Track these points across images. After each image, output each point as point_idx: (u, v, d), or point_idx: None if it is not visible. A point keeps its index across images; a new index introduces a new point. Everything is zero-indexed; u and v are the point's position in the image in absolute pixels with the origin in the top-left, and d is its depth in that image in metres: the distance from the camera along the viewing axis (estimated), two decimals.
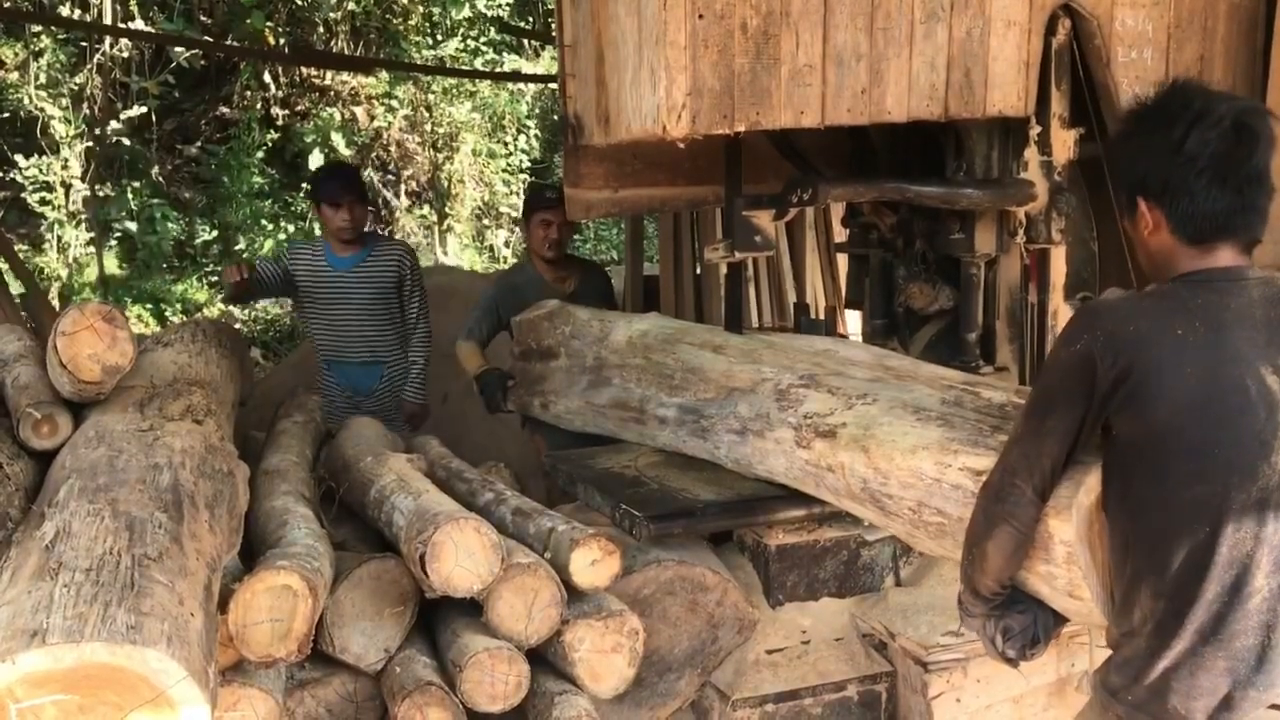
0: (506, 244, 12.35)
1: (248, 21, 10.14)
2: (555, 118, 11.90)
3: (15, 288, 6.53)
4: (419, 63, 11.50)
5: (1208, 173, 1.74)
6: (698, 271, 6.18)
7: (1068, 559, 1.88)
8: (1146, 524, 1.73)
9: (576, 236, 12.66)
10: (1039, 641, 1.98)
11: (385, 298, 4.57)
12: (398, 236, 11.84)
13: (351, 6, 11.25)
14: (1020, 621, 1.96)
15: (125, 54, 10.16)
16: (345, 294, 4.54)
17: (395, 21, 11.59)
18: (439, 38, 11.81)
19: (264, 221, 10.76)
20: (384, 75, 11.63)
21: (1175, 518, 1.68)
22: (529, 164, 12.54)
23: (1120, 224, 2.01)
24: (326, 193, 4.49)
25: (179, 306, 9.88)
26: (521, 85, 12.31)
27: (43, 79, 9.95)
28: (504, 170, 12.31)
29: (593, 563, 2.53)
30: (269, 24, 10.44)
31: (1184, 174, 1.75)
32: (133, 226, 10.09)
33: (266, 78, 11.12)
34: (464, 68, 11.53)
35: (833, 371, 2.81)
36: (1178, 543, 1.68)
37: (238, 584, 2.20)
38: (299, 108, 11.41)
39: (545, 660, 2.54)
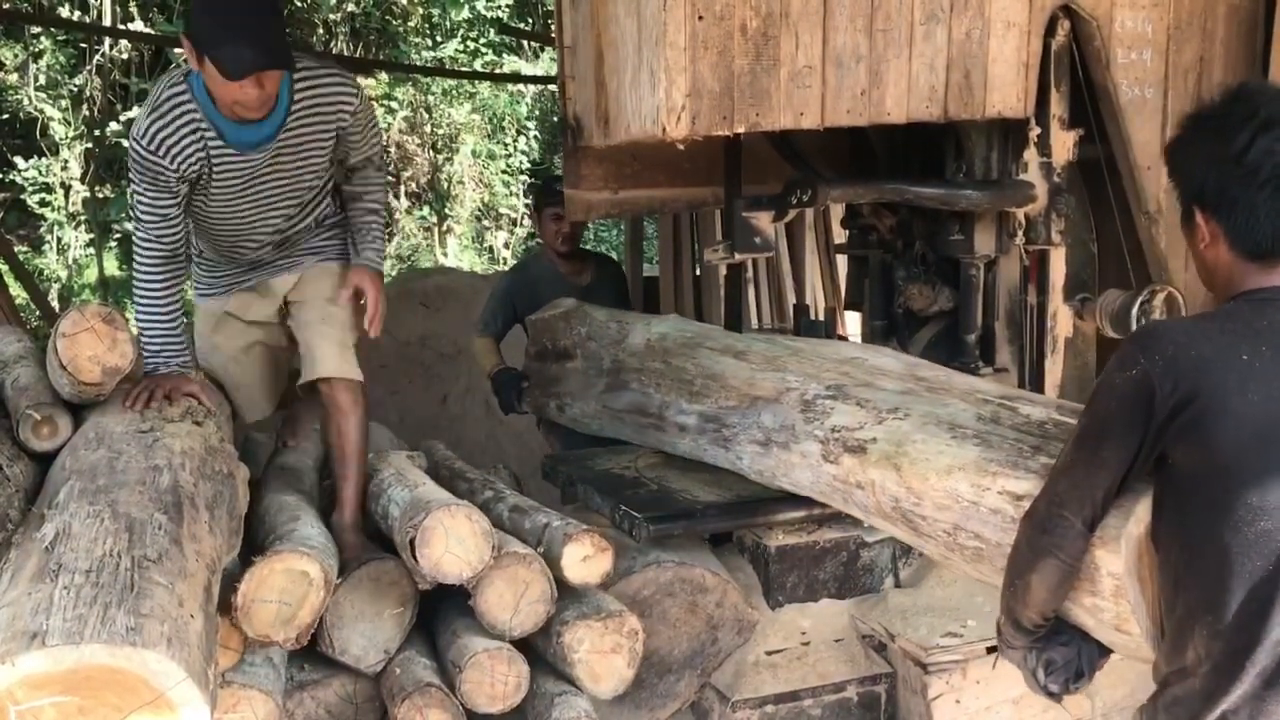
0: (506, 245, 12.35)
1: None
2: (555, 119, 11.90)
3: (15, 289, 6.53)
4: (418, 64, 11.50)
5: (1270, 185, 1.63)
6: (697, 273, 6.18)
7: (1116, 592, 1.81)
8: (1203, 559, 1.62)
9: None
10: (1083, 675, 1.89)
11: (317, 170, 2.82)
12: (396, 238, 11.86)
13: (351, 8, 11.26)
14: (1063, 654, 1.88)
15: (124, 55, 10.17)
16: (254, 188, 2.73)
17: (395, 23, 11.59)
18: (438, 39, 11.82)
19: None
20: (383, 76, 11.63)
21: (1236, 554, 1.57)
22: (529, 165, 12.55)
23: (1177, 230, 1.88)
24: (229, 60, 2.43)
25: None
26: (521, 86, 12.32)
27: (42, 80, 9.96)
28: (504, 171, 12.32)
29: (585, 559, 2.53)
30: None
31: (1244, 186, 1.64)
32: (132, 227, 10.09)
33: None
34: (463, 69, 11.54)
35: (861, 382, 2.69)
36: (1238, 580, 1.57)
37: (257, 557, 2.21)
38: None
39: (545, 661, 2.54)
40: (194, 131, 2.58)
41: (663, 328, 3.45)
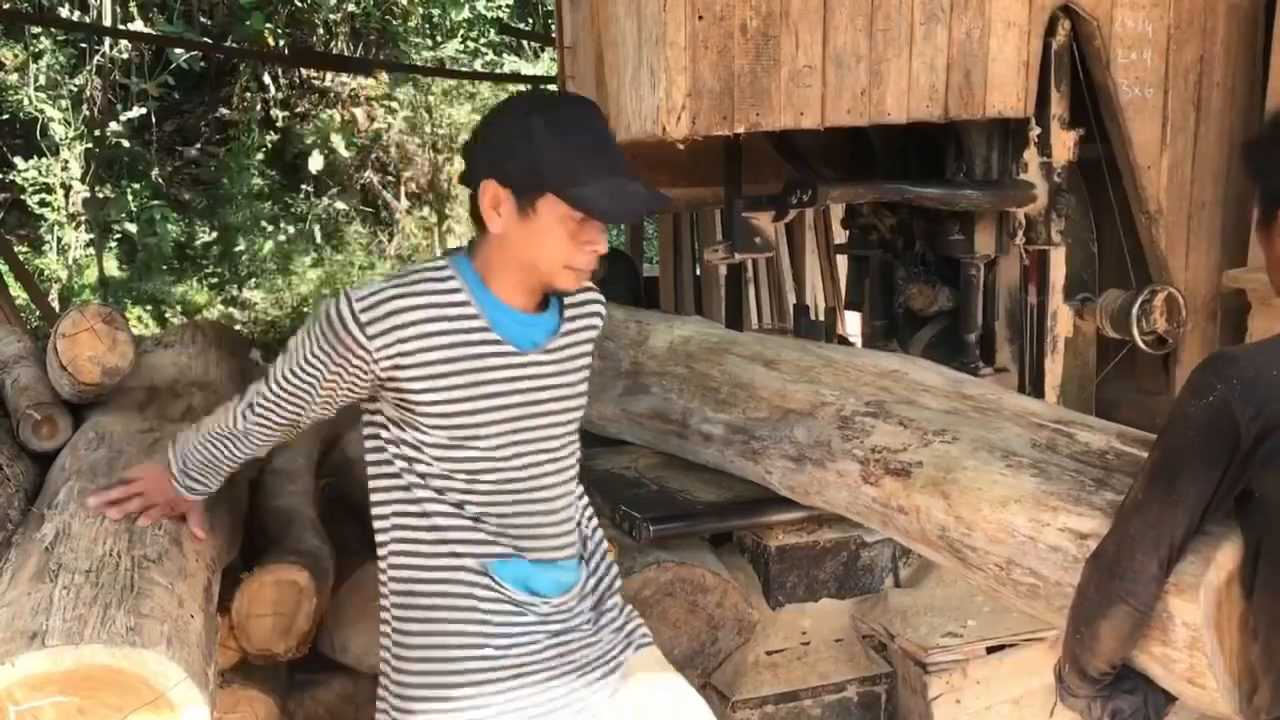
0: None
1: (247, 23, 10.14)
2: None
3: (15, 290, 6.53)
4: (419, 64, 11.50)
5: None
6: (697, 272, 6.18)
7: (1191, 643, 1.67)
8: None
9: None
10: None
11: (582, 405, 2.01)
12: (397, 239, 11.86)
13: (351, 8, 11.26)
14: (1130, 703, 1.75)
15: (125, 55, 10.17)
16: (528, 402, 1.88)
17: (395, 23, 11.59)
18: (439, 39, 11.81)
19: (264, 223, 10.77)
20: (384, 77, 11.63)
21: None
22: None
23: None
24: (611, 196, 1.82)
25: (179, 308, 9.88)
26: (521, 86, 12.32)
27: (42, 80, 9.96)
28: None
29: None
30: (269, 25, 10.44)
31: None
32: (132, 228, 10.10)
33: (266, 79, 11.13)
34: (464, 69, 11.54)
35: (902, 399, 2.55)
36: None
37: (245, 574, 2.20)
38: (299, 109, 11.41)
39: None
40: (443, 309, 1.78)
41: (686, 330, 3.33)
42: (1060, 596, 1.86)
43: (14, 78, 10.08)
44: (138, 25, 9.97)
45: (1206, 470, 1.55)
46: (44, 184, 9.80)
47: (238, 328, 8.96)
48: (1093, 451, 2.06)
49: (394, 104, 11.73)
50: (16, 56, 10.00)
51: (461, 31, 11.77)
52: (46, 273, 9.68)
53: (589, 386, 2.00)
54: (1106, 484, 1.95)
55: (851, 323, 5.50)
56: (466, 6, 11.45)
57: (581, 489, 2.02)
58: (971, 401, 2.47)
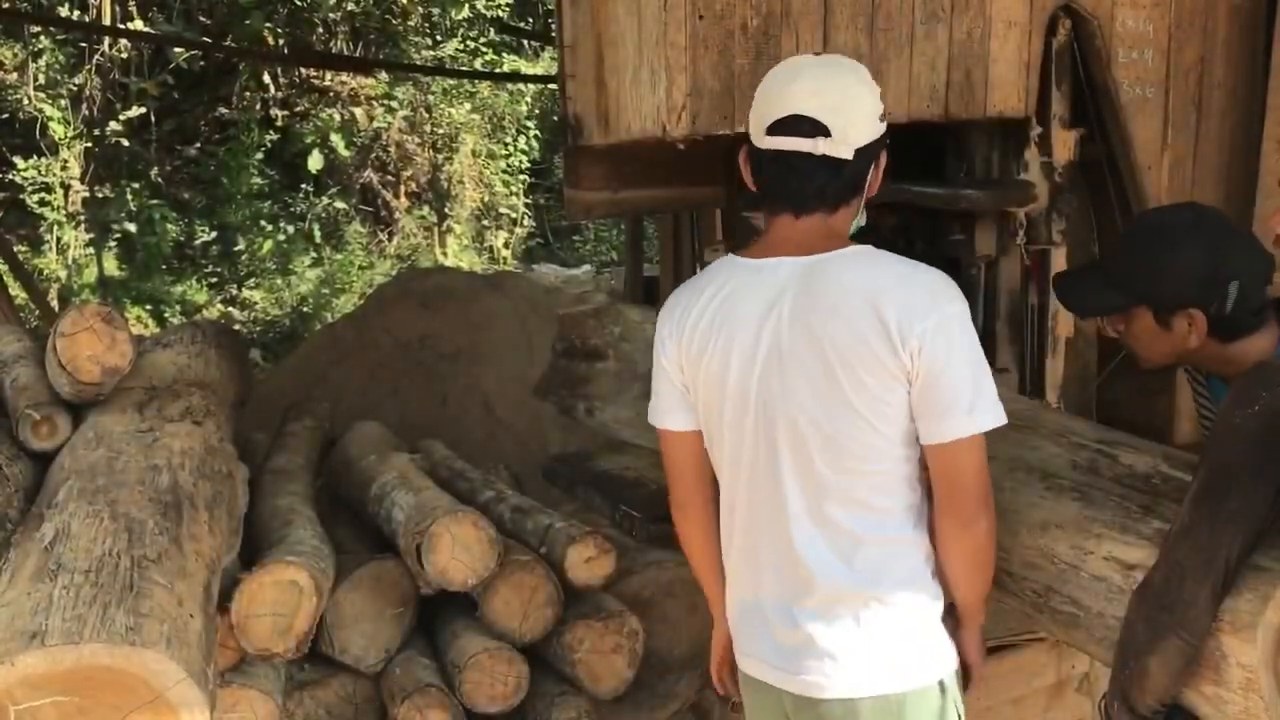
0: (506, 245, 12.35)
1: (247, 22, 10.14)
2: (555, 118, 11.91)
3: (15, 289, 6.53)
4: (418, 63, 11.50)
5: None
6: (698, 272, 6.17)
7: (1246, 685, 1.58)
8: None
9: (575, 237, 12.65)
10: None
11: None
12: (396, 238, 11.86)
13: (351, 7, 11.26)
14: None
15: (124, 55, 10.16)
16: None
17: (395, 22, 11.59)
18: (438, 38, 11.82)
19: (263, 222, 10.77)
20: (383, 76, 11.63)
21: None
22: (529, 165, 12.55)
23: None
24: None
25: (178, 307, 9.88)
26: (521, 86, 12.32)
27: (41, 80, 9.96)
28: (504, 171, 12.32)
29: (588, 560, 2.53)
30: (268, 25, 10.44)
31: None
32: (132, 227, 10.09)
33: (266, 78, 11.12)
34: (463, 68, 11.54)
35: None
36: None
37: (244, 574, 2.20)
38: (298, 108, 11.41)
39: (545, 661, 2.53)
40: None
41: None
42: (1102, 628, 1.78)
43: (13, 77, 10.08)
44: (137, 24, 9.96)
45: (1257, 485, 1.47)
46: (43, 183, 9.79)
47: (237, 327, 8.96)
48: (1137, 475, 1.95)
49: (393, 103, 11.74)
50: (16, 56, 10.00)
51: (461, 31, 11.77)
52: (46, 272, 9.67)
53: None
54: (1153, 511, 1.84)
55: None
56: (466, 5, 11.45)
57: None
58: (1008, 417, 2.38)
